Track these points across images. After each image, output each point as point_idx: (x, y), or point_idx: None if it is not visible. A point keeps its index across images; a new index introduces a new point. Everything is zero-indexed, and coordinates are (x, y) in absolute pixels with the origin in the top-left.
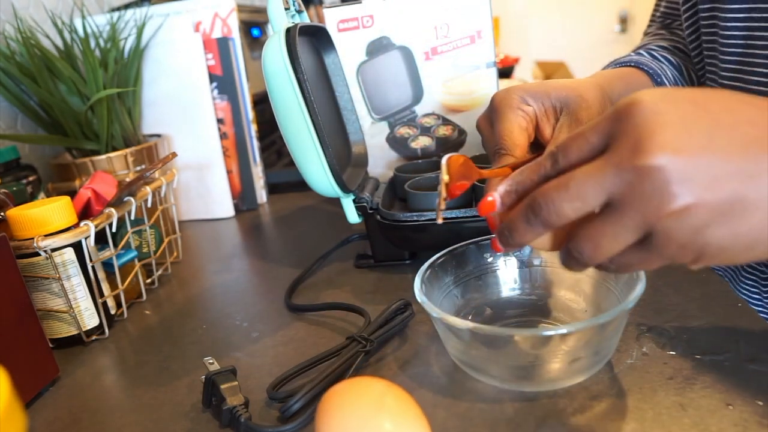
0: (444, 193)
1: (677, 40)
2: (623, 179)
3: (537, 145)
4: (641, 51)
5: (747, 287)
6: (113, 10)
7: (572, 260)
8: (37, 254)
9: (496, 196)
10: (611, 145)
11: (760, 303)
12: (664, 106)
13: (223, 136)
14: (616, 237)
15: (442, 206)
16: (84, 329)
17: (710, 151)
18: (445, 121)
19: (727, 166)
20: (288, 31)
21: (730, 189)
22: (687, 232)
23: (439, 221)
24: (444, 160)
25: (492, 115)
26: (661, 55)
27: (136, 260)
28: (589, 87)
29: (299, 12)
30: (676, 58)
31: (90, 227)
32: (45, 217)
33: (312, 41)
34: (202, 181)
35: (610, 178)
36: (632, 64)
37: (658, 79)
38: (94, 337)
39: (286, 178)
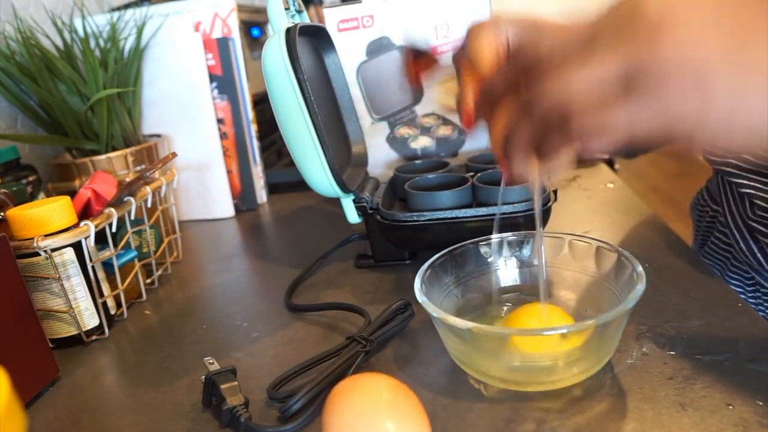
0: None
1: None
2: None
3: None
4: None
5: (733, 286)
6: (113, 10)
7: (539, 107)
8: (37, 254)
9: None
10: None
11: (754, 303)
12: None
13: (223, 136)
14: (590, 69)
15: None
16: (84, 329)
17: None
18: (445, 121)
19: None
20: (288, 31)
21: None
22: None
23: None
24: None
25: (466, 44)
26: None
27: (136, 260)
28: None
29: (299, 12)
30: None
31: (90, 227)
32: (45, 217)
33: (312, 41)
34: (202, 181)
35: (590, 28)
36: None
37: None
38: (94, 337)
39: (286, 178)
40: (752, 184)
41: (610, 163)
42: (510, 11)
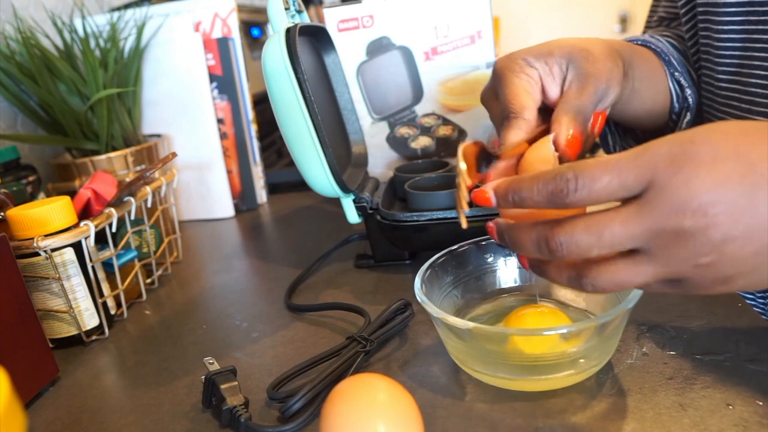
0: (465, 186)
1: (678, 33)
2: (660, 237)
3: (545, 111)
4: (644, 36)
5: (741, 292)
6: (113, 10)
7: (580, 286)
8: (37, 254)
9: (491, 195)
10: (650, 194)
11: (753, 302)
12: (715, 161)
13: (223, 136)
14: (639, 278)
15: (464, 206)
16: (84, 329)
17: (750, 214)
18: (445, 121)
19: (762, 225)
20: (288, 31)
21: (762, 244)
22: (717, 281)
23: (464, 226)
24: (460, 149)
25: (495, 84)
26: (666, 40)
27: (136, 260)
28: (594, 41)
29: (299, 12)
30: (681, 46)
31: (90, 227)
32: (45, 217)
33: (312, 41)
34: (202, 181)
35: (646, 234)
36: (638, 42)
37: (666, 58)
38: (94, 337)
39: (286, 178)
40: None
41: None
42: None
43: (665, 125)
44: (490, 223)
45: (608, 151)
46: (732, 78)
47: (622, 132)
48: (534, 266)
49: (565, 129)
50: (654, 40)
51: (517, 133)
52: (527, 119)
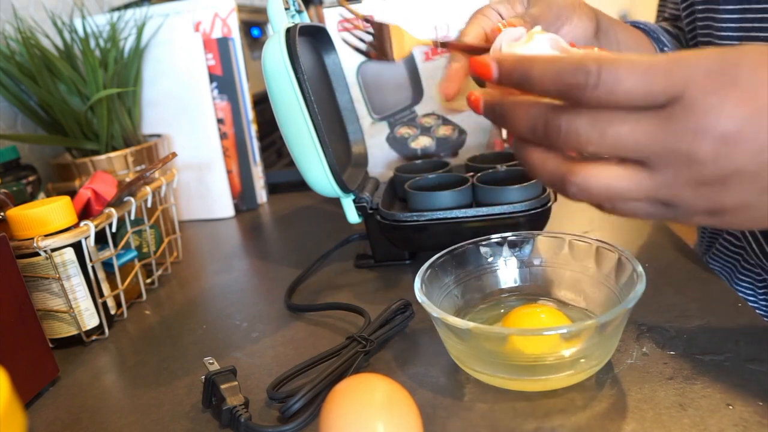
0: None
1: (680, 27)
2: (670, 156)
3: None
4: (634, 20)
5: (743, 288)
6: (113, 10)
7: (562, 185)
8: (37, 254)
9: (493, 66)
10: (675, 109)
11: (756, 303)
12: (754, 91)
13: (223, 136)
14: (631, 191)
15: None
16: (84, 329)
17: None
18: (445, 121)
19: None
20: (288, 31)
21: None
22: (710, 212)
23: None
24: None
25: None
26: (659, 25)
27: (136, 260)
28: None
29: (299, 12)
30: (674, 31)
31: (90, 227)
32: (45, 217)
33: (312, 41)
34: (202, 181)
35: (656, 148)
36: (628, 23)
37: (655, 35)
38: (94, 337)
39: (286, 178)
40: None
41: None
42: None
43: None
44: (475, 93)
45: None
46: None
47: None
48: (518, 147)
49: (504, 23)
50: (644, 22)
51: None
52: (467, 41)
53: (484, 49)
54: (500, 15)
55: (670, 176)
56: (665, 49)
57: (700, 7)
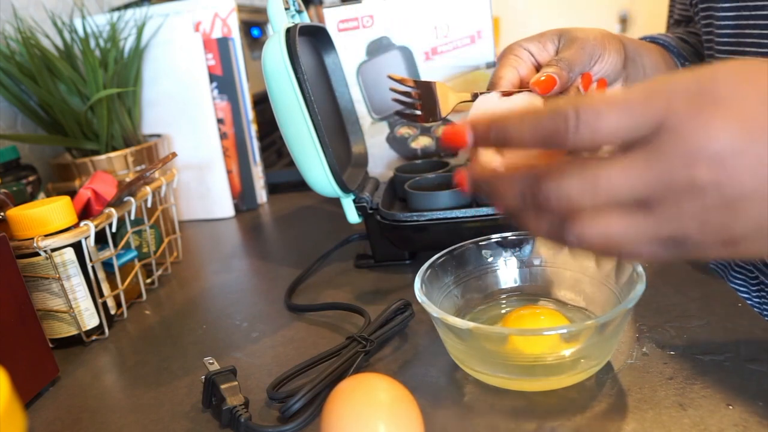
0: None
1: (691, 31)
2: (667, 189)
3: None
4: (653, 35)
5: (736, 285)
6: (113, 10)
7: (562, 238)
8: (37, 254)
9: (468, 132)
10: (662, 137)
11: (750, 301)
12: (739, 104)
13: (223, 136)
14: (635, 235)
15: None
16: (84, 329)
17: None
18: (445, 121)
19: None
20: (288, 31)
21: None
22: (724, 243)
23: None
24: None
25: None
26: (677, 36)
27: (136, 260)
28: (585, 27)
29: (299, 12)
30: (692, 40)
31: (90, 227)
32: (45, 217)
33: (312, 41)
34: (202, 181)
35: (652, 184)
36: (648, 39)
37: (675, 50)
38: (94, 337)
39: (286, 178)
40: None
41: None
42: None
43: None
44: (462, 170)
45: None
46: None
47: None
48: (511, 214)
49: (540, 72)
50: (663, 36)
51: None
52: (502, 87)
53: (523, 92)
54: (531, 54)
55: (672, 212)
56: (686, 63)
57: (702, 6)
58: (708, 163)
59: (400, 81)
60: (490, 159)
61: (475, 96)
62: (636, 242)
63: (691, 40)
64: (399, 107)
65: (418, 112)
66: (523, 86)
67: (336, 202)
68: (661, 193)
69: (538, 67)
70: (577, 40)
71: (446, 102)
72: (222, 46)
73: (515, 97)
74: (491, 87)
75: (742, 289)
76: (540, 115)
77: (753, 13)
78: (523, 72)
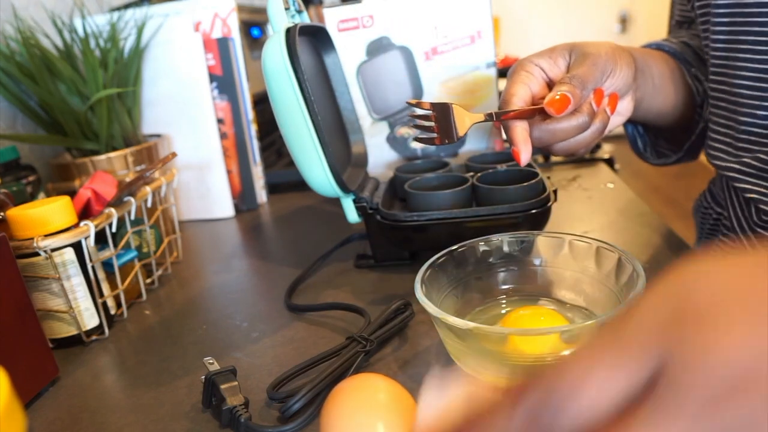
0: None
1: (694, 33)
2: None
3: None
4: (658, 41)
5: None
6: (113, 10)
7: None
8: (37, 254)
9: None
10: (672, 373)
11: None
12: (726, 308)
13: (223, 136)
14: None
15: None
16: (84, 329)
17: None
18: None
19: None
20: (288, 31)
21: None
22: None
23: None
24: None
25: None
26: (680, 41)
27: (136, 260)
28: (595, 41)
29: (299, 12)
30: (694, 43)
31: (90, 227)
32: (45, 217)
33: (312, 41)
34: (202, 181)
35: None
36: (653, 47)
37: (681, 57)
38: (94, 337)
39: (286, 178)
40: (757, 189)
41: (610, 163)
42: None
43: (692, 119)
44: None
45: (638, 153)
46: (720, 79)
47: (653, 137)
48: None
49: (554, 91)
50: (668, 43)
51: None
52: (514, 104)
53: (537, 110)
54: (543, 70)
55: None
56: (692, 69)
57: (700, 11)
58: (731, 377)
59: (417, 105)
60: None
61: (489, 116)
62: None
63: (695, 44)
64: (417, 132)
65: (435, 135)
66: (535, 103)
67: (336, 202)
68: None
69: (549, 83)
70: (589, 56)
71: (462, 123)
72: (222, 46)
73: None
74: (504, 105)
75: None
76: (507, 414)
77: (747, 19)
78: (534, 89)
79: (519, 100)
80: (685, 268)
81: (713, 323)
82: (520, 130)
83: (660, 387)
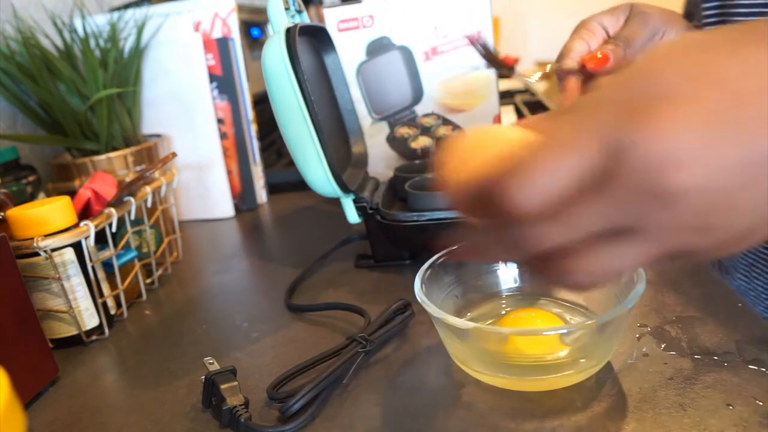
0: None
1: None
2: (641, 206)
3: None
4: None
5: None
6: (113, 10)
7: (565, 285)
8: (37, 254)
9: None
10: (620, 163)
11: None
12: (686, 93)
13: (223, 136)
14: (630, 262)
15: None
16: (84, 329)
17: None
18: (445, 121)
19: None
20: (288, 31)
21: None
22: (733, 241)
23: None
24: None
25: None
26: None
27: (136, 260)
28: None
29: (299, 12)
30: None
31: (90, 227)
32: (45, 217)
33: (312, 41)
34: (202, 181)
35: (623, 208)
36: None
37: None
38: (94, 337)
39: (286, 178)
40: None
41: None
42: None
43: None
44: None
45: None
46: None
47: None
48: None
49: (597, 49)
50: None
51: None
52: (570, 59)
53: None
54: (605, 28)
55: (657, 228)
56: None
57: (712, 20)
58: (676, 167)
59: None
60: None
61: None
62: (636, 266)
63: None
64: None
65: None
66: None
67: (336, 202)
68: (636, 213)
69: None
70: (640, 15)
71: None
72: (222, 46)
73: None
74: (560, 58)
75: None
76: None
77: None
78: (593, 46)
79: (575, 55)
80: (665, 45)
81: (674, 110)
82: (574, 82)
83: (609, 166)
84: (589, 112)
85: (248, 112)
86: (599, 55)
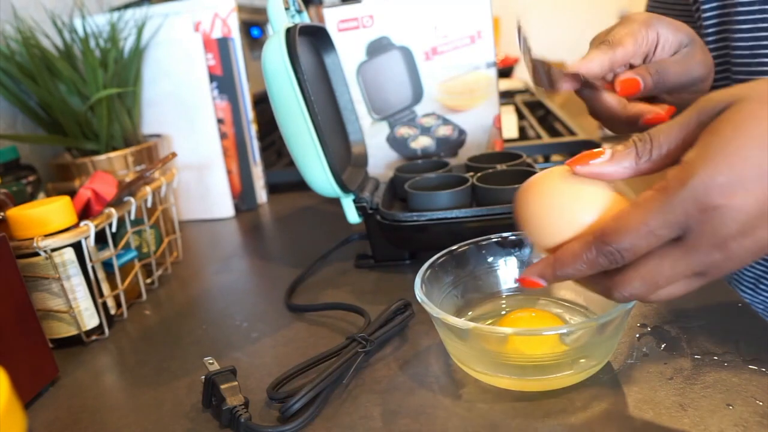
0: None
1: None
2: (690, 224)
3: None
4: None
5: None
6: (113, 10)
7: (622, 298)
8: (37, 254)
9: (539, 281)
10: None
11: (753, 302)
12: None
13: (223, 136)
14: (676, 274)
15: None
16: (84, 329)
17: None
18: (445, 121)
19: None
20: (288, 31)
21: None
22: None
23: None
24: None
25: (615, 26)
26: None
27: (136, 260)
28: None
29: (299, 12)
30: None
31: (90, 227)
32: (45, 217)
33: (312, 41)
34: (202, 181)
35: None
36: None
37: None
38: (93, 337)
39: (286, 178)
40: None
41: None
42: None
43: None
44: (534, 279)
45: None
46: (718, 69)
47: None
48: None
49: (631, 72)
50: None
51: (598, 55)
52: (617, 52)
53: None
54: (658, 37)
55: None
56: None
57: (714, 29)
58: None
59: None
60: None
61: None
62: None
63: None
64: None
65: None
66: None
67: (336, 202)
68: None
69: (654, 53)
70: (695, 56)
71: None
72: (222, 46)
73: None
74: (610, 41)
75: (744, 291)
76: (590, 257)
77: (735, 18)
78: (642, 47)
79: (620, 57)
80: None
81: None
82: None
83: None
84: (677, 201)
85: (248, 112)
86: (628, 79)
